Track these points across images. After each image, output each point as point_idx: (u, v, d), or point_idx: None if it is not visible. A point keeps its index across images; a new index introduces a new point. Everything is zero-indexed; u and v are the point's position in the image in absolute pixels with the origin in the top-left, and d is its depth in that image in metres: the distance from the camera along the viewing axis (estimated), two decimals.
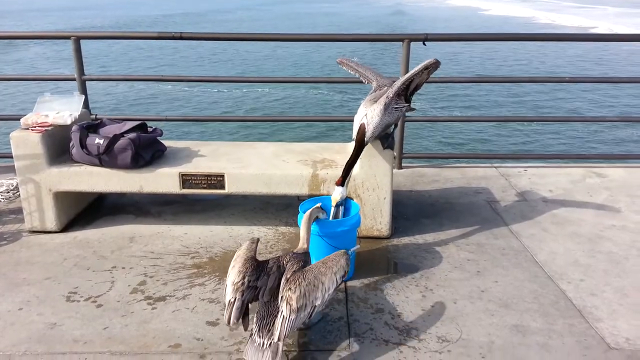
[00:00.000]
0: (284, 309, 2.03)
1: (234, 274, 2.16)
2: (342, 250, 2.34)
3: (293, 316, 2.02)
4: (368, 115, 2.85)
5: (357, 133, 2.87)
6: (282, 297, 2.07)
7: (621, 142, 11.83)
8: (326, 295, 2.13)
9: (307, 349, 2.24)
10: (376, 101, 2.88)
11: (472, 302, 2.60)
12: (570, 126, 12.53)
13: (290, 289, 2.07)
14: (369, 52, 25.66)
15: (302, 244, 2.44)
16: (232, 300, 2.07)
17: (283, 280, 2.15)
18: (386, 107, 2.83)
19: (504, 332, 2.36)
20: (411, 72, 2.81)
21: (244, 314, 2.10)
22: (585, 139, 11.98)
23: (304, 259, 2.33)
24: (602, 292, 2.69)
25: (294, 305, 2.02)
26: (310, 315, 2.10)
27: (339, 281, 2.21)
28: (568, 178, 4.30)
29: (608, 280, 2.80)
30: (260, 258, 2.96)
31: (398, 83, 2.85)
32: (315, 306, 2.09)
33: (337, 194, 2.86)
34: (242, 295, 2.07)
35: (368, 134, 2.86)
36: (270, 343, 2.00)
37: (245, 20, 49.79)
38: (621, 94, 16.34)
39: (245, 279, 2.10)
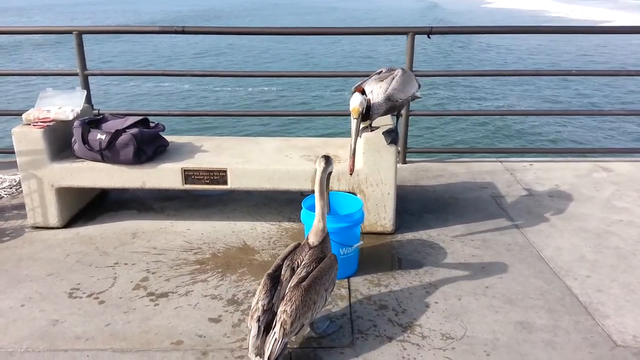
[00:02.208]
0: (277, 330, 1.98)
1: (254, 300, 2.10)
2: (334, 258, 2.24)
3: (286, 339, 2.00)
4: (374, 92, 2.88)
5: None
6: (278, 316, 2.00)
7: (628, 136, 11.72)
8: (315, 314, 2.12)
9: (310, 346, 2.22)
10: (382, 80, 2.93)
11: (476, 298, 2.57)
12: (577, 120, 12.43)
13: (285, 311, 1.99)
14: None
15: (317, 222, 2.23)
16: (249, 328, 2.02)
17: (287, 290, 2.07)
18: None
19: (508, 329, 2.34)
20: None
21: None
22: (592, 133, 11.89)
23: (320, 254, 2.19)
24: (609, 288, 2.66)
25: (288, 329, 1.99)
26: (297, 332, 2.07)
27: (328, 298, 2.21)
28: (574, 172, 4.26)
29: (615, 276, 2.76)
30: (264, 255, 2.97)
31: (408, 71, 3.00)
32: (304, 324, 2.07)
33: (356, 101, 2.68)
34: (258, 321, 2.01)
35: (372, 110, 2.89)
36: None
37: (259, 15, 49.39)
38: (629, 87, 16.20)
39: (259, 304, 2.03)
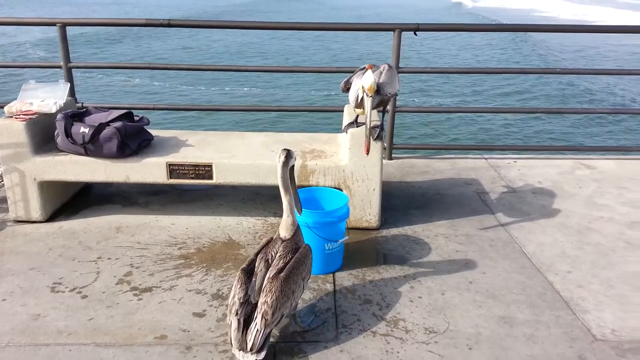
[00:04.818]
0: (258, 321, 2.02)
1: (230, 295, 2.14)
2: (309, 247, 2.28)
3: (267, 330, 2.04)
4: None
5: (359, 104, 2.90)
6: (259, 308, 2.04)
7: (610, 133, 11.90)
8: (294, 303, 2.17)
9: (293, 340, 2.23)
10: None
11: (459, 293, 2.60)
12: (560, 118, 12.57)
13: (266, 302, 2.03)
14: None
15: (285, 217, 2.24)
16: (229, 322, 2.06)
17: (265, 281, 2.11)
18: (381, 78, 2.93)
19: (491, 324, 2.37)
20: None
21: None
22: (575, 131, 12.04)
23: (294, 245, 2.22)
24: (589, 283, 2.70)
25: (269, 320, 2.03)
26: (277, 323, 2.11)
27: (305, 287, 2.25)
28: (557, 169, 4.31)
29: (595, 272, 2.81)
30: (249, 249, 2.97)
31: (393, 68, 3.00)
32: (284, 314, 2.11)
33: (369, 79, 2.73)
34: (237, 314, 2.05)
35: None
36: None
37: (271, 11, 48.49)
38: (612, 85, 16.43)
39: (236, 298, 2.08)
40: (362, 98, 2.81)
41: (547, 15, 47.77)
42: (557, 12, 49.68)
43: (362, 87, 2.77)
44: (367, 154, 2.82)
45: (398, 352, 2.17)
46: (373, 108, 3.07)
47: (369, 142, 2.79)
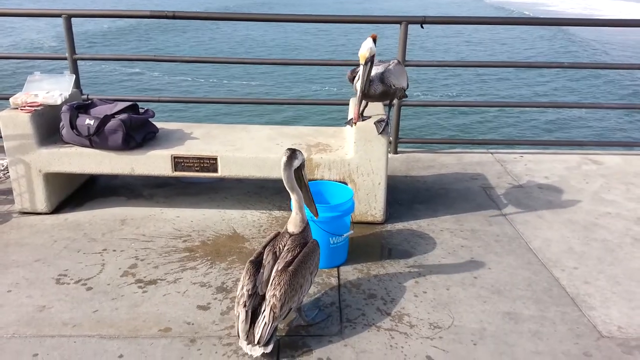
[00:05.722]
0: (267, 314, 2.02)
1: (239, 287, 2.14)
2: (316, 243, 2.26)
3: (275, 323, 2.04)
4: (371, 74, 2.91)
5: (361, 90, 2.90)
6: (268, 301, 2.04)
7: (617, 129, 11.82)
8: (301, 297, 2.17)
9: (298, 334, 2.23)
10: (376, 66, 2.96)
11: (464, 288, 2.59)
12: (567, 112, 12.50)
13: (275, 295, 2.03)
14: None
15: (294, 214, 2.24)
16: (237, 314, 2.06)
17: (273, 273, 2.11)
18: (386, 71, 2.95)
19: (496, 319, 2.35)
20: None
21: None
22: (582, 126, 11.97)
23: (302, 239, 2.21)
24: (596, 280, 2.69)
25: (277, 313, 2.03)
26: (285, 316, 2.11)
27: (313, 281, 2.24)
28: (564, 165, 4.28)
29: (602, 268, 2.79)
30: (254, 243, 2.97)
31: (401, 64, 3.05)
32: (291, 308, 2.11)
33: (365, 47, 2.65)
34: (245, 306, 2.05)
35: (372, 86, 2.94)
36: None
37: (277, 5, 48.07)
38: (620, 80, 16.30)
39: (244, 290, 2.08)
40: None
41: (553, 9, 47.30)
42: (565, 6, 49.06)
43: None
44: (355, 123, 2.90)
45: (402, 347, 2.16)
46: (378, 99, 3.06)
47: (359, 112, 2.84)
